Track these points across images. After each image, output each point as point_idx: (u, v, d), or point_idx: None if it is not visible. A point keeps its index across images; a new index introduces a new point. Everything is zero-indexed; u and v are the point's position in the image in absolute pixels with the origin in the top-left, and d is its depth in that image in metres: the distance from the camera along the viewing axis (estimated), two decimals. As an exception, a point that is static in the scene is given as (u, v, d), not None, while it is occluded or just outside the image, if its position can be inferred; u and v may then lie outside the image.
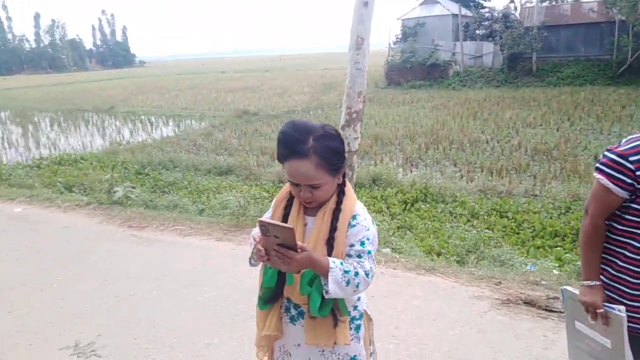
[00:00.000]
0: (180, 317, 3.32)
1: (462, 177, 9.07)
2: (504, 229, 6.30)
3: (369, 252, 1.49)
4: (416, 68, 24.58)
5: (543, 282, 3.31)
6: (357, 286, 1.43)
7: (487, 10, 28.02)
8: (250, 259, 1.56)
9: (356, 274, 1.43)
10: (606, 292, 1.66)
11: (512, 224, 6.45)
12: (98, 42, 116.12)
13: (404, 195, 7.75)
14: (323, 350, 1.56)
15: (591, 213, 1.65)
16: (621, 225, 1.61)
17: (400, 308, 3.17)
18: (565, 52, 22.30)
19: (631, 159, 1.50)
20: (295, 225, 1.52)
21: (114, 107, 24.11)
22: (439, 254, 5.21)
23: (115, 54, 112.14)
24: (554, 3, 24.50)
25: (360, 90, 4.57)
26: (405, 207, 7.37)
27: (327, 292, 1.41)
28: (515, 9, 26.09)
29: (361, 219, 1.52)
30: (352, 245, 1.49)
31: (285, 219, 1.57)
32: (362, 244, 1.49)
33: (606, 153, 1.59)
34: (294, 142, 1.42)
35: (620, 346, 1.53)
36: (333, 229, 1.49)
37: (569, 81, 20.78)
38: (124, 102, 25.94)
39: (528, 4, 23.89)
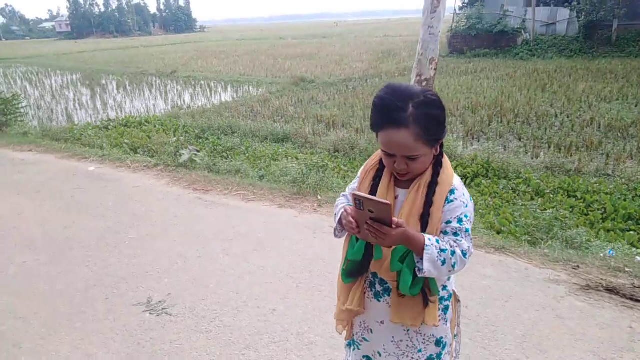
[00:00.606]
0: (246, 281, 3.40)
1: (526, 153, 8.63)
2: (571, 209, 5.96)
3: (467, 230, 1.41)
4: (482, 36, 23.34)
5: (627, 269, 3.09)
6: (454, 266, 1.36)
7: (563, -28, 25.94)
8: (335, 229, 1.54)
9: (453, 253, 1.35)
10: None
11: (581, 204, 6.09)
12: (161, 7, 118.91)
13: (464, 169, 7.48)
14: (408, 330, 1.51)
15: None
16: None
17: (469, 287, 3.08)
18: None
19: None
20: (385, 196, 1.45)
21: (176, 71, 24.73)
22: (499, 232, 5.02)
23: (177, 19, 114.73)
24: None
25: (432, 57, 4.36)
26: (465, 182, 7.13)
27: (420, 270, 1.35)
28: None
29: (459, 194, 1.42)
30: (448, 222, 1.40)
31: (374, 190, 1.48)
32: (460, 221, 1.40)
33: None
34: (392, 109, 1.29)
35: None
36: (428, 203, 1.40)
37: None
38: (185, 67, 26.54)
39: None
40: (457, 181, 1.45)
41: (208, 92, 18.69)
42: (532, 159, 8.19)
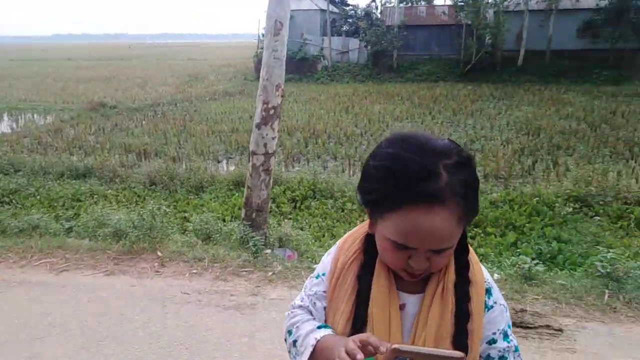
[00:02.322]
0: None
1: (343, 171, 9.08)
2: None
3: (516, 349, 0.97)
4: (286, 61, 24.51)
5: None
6: None
7: (350, 7, 29.11)
8: None
9: None
10: None
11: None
12: None
13: (292, 192, 7.44)
14: None
15: None
16: None
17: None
18: (422, 50, 24.14)
19: None
20: (387, 311, 0.92)
21: None
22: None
23: None
24: (411, 4, 26.33)
25: (278, 83, 4.07)
26: (295, 205, 7.07)
27: None
28: (377, 7, 27.51)
29: (496, 294, 0.98)
30: (491, 342, 0.95)
31: (362, 300, 0.94)
32: (506, 336, 0.96)
33: None
34: (421, 178, 0.80)
35: None
36: (463, 316, 0.92)
37: (425, 77, 22.57)
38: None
39: (388, 4, 25.38)
40: (487, 274, 0.99)
41: (-25, 122, 15.32)
42: (350, 177, 8.62)
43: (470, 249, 0.99)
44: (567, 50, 22.13)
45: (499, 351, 0.95)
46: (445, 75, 22.51)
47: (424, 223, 0.80)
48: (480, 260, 1.01)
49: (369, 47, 23.87)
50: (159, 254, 3.87)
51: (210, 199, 7.34)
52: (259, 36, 26.75)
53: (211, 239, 4.04)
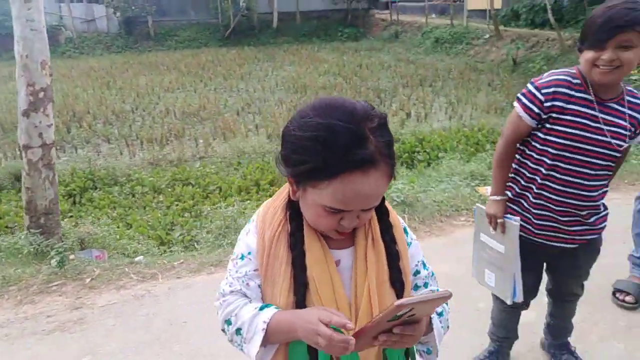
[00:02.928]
0: None
1: (121, 153, 8.29)
2: (193, 198, 6.16)
3: (433, 274, 1.12)
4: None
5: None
6: (448, 328, 1.06)
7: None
8: (257, 354, 0.94)
9: (442, 312, 1.03)
10: (512, 205, 1.83)
11: (198, 189, 6.38)
12: None
13: (66, 187, 6.46)
14: None
15: (504, 136, 1.76)
16: (528, 150, 1.73)
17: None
18: (179, 16, 23.11)
19: (543, 91, 1.61)
20: (327, 271, 0.95)
21: None
22: (165, 244, 4.66)
23: None
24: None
25: (43, 59, 3.30)
26: (75, 201, 6.20)
27: (428, 353, 1.02)
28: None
29: (409, 231, 1.09)
30: (416, 273, 1.07)
31: (299, 265, 0.94)
32: (425, 265, 1.10)
33: (528, 84, 1.68)
34: (353, 144, 0.82)
35: (512, 250, 1.76)
36: (394, 258, 1.00)
37: (187, 44, 21.83)
38: None
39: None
40: (395, 214, 1.08)
41: None
42: (131, 158, 7.93)
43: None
44: (314, 11, 24.22)
45: (423, 279, 1.09)
46: (208, 40, 22.18)
47: (362, 187, 0.85)
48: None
49: (118, 14, 21.68)
50: None
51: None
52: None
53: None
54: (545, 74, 1.69)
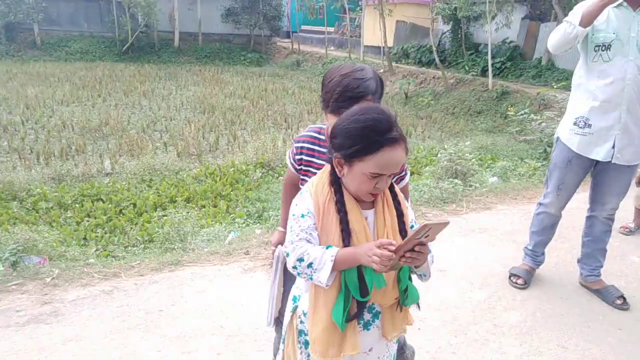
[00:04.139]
0: None
1: (14, 168, 7.72)
2: (106, 214, 6.00)
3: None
4: None
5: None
6: (432, 262, 1.44)
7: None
8: (327, 279, 1.30)
9: (430, 250, 1.38)
10: None
11: (110, 205, 6.23)
12: None
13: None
14: (387, 344, 1.50)
15: (284, 179, 1.93)
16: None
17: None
18: (70, 26, 21.75)
19: (296, 145, 1.79)
20: (361, 224, 1.36)
21: None
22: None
23: None
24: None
25: None
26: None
27: (424, 277, 1.42)
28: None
29: (408, 200, 1.55)
30: (411, 227, 1.46)
31: (345, 223, 1.34)
32: (414, 223, 1.50)
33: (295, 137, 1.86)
34: (389, 126, 1.27)
35: (276, 275, 1.82)
36: (401, 214, 1.42)
37: (79, 56, 20.61)
38: None
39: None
40: (398, 189, 1.49)
41: None
42: (28, 172, 7.41)
43: None
44: (216, 34, 24.35)
45: (412, 222, 1.51)
46: (103, 54, 21.15)
47: (394, 156, 1.29)
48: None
49: (-1, 19, 19.83)
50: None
51: None
52: None
53: None
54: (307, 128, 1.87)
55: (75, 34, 21.74)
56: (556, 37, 2.53)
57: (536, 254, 3.10)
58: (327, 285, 1.31)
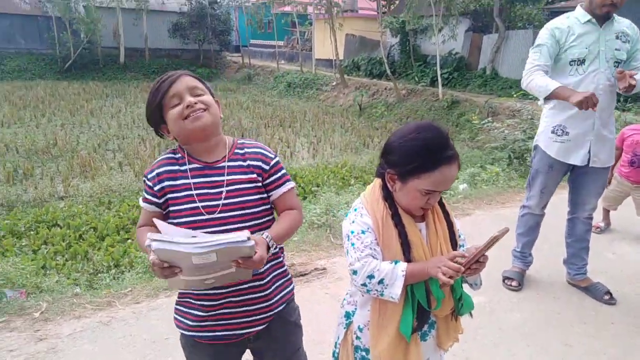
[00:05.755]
0: None
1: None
2: (64, 240, 5.68)
3: (464, 239, 1.56)
4: None
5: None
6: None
7: None
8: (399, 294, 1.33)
9: None
10: None
11: (69, 231, 5.90)
12: None
13: None
14: (441, 354, 1.54)
15: (138, 225, 1.50)
16: None
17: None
18: (5, 44, 20.61)
19: (149, 176, 1.43)
20: (417, 236, 1.39)
21: None
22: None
23: None
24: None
25: None
26: None
27: (477, 285, 1.46)
28: None
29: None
30: (459, 236, 1.51)
31: (404, 237, 1.37)
32: (461, 233, 1.53)
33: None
34: (446, 144, 1.30)
35: None
36: (451, 225, 1.46)
37: (17, 75, 19.58)
38: None
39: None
40: (445, 201, 1.54)
41: None
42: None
43: None
44: (163, 49, 23.84)
45: (462, 240, 1.54)
46: (43, 72, 20.17)
47: (449, 174, 1.31)
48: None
49: None
50: None
51: None
52: None
53: None
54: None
55: (11, 51, 20.62)
56: (531, 88, 2.76)
57: (525, 255, 3.23)
58: (398, 300, 1.33)
